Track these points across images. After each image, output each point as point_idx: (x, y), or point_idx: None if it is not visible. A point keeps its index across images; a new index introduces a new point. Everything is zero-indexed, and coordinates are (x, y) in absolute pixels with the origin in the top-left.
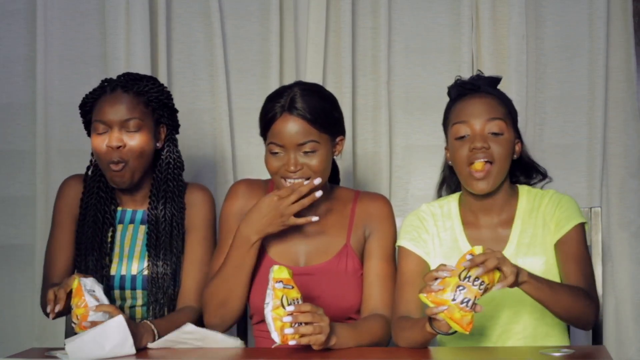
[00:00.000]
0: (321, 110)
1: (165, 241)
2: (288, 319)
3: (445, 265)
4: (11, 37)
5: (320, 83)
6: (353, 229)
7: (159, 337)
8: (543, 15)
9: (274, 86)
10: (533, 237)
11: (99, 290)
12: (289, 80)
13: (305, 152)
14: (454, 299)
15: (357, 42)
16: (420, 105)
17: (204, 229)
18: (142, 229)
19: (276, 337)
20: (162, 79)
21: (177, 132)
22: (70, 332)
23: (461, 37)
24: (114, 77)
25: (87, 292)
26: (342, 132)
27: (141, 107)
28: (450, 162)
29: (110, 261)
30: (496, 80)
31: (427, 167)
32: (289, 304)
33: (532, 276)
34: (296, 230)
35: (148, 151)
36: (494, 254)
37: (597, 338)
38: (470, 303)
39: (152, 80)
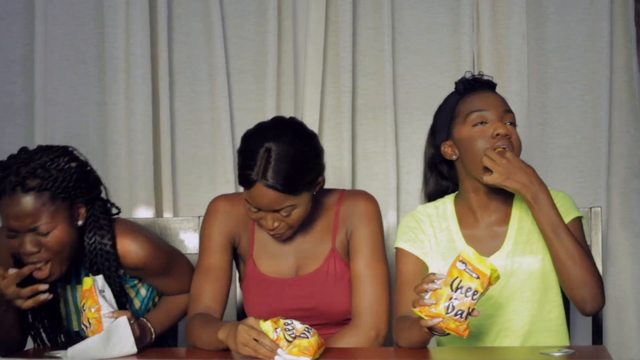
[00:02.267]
0: (295, 177)
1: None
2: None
3: (434, 274)
4: (11, 38)
5: (320, 83)
6: (338, 232)
7: (155, 334)
8: (543, 15)
9: (271, 86)
10: (530, 234)
11: (108, 290)
12: (287, 80)
13: (283, 215)
14: (447, 312)
15: (358, 42)
16: (421, 106)
17: (166, 269)
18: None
19: (304, 358)
20: (162, 79)
21: (99, 190)
22: (69, 334)
23: (461, 37)
24: (12, 159)
25: (100, 293)
26: (321, 172)
27: (47, 206)
28: (454, 157)
29: (70, 320)
30: (494, 84)
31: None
32: (290, 334)
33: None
34: (285, 243)
35: (68, 241)
36: None
37: (598, 338)
38: (464, 314)
39: (52, 163)
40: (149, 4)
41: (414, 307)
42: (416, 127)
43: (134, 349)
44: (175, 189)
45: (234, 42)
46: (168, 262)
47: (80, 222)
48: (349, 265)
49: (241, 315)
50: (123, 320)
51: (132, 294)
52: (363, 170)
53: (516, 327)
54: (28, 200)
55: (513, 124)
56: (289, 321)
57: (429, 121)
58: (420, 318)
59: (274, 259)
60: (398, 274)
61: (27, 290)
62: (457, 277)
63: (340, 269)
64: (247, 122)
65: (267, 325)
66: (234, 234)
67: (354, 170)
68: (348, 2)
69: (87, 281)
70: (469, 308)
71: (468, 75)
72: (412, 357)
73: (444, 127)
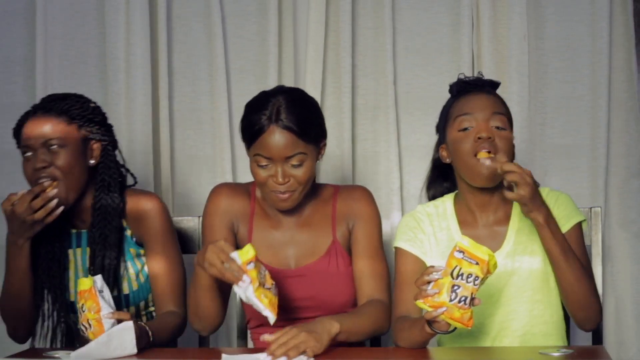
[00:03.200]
0: (307, 121)
1: (101, 263)
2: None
3: (433, 266)
4: (11, 38)
5: (320, 83)
6: (337, 225)
7: (154, 338)
8: (543, 15)
9: (271, 86)
10: (530, 234)
11: (106, 290)
12: (287, 80)
13: (293, 165)
14: (451, 300)
15: (358, 42)
16: (421, 106)
17: (162, 238)
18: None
19: (269, 313)
20: (162, 79)
21: (116, 147)
22: (67, 335)
23: (461, 37)
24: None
25: (99, 294)
26: (325, 136)
27: (63, 126)
28: (448, 160)
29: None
30: (497, 83)
31: (426, 168)
32: (262, 277)
33: (551, 222)
34: (283, 234)
35: (78, 168)
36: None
37: (597, 338)
38: (468, 300)
39: (76, 98)
40: (149, 4)
41: (417, 299)
42: (416, 127)
43: (134, 350)
44: (175, 189)
45: (234, 42)
46: (167, 228)
47: (92, 161)
48: (350, 259)
49: (243, 316)
50: (129, 324)
51: (138, 265)
52: (363, 170)
53: (516, 327)
54: (47, 118)
55: (502, 127)
56: (264, 268)
57: (429, 121)
58: (421, 317)
59: (273, 250)
60: (397, 274)
61: (39, 201)
62: (456, 266)
63: (342, 262)
64: None
65: (249, 252)
66: (234, 223)
67: (354, 171)
68: (348, 2)
69: (86, 282)
70: (472, 293)
71: (461, 77)
72: (412, 357)
73: (441, 130)
